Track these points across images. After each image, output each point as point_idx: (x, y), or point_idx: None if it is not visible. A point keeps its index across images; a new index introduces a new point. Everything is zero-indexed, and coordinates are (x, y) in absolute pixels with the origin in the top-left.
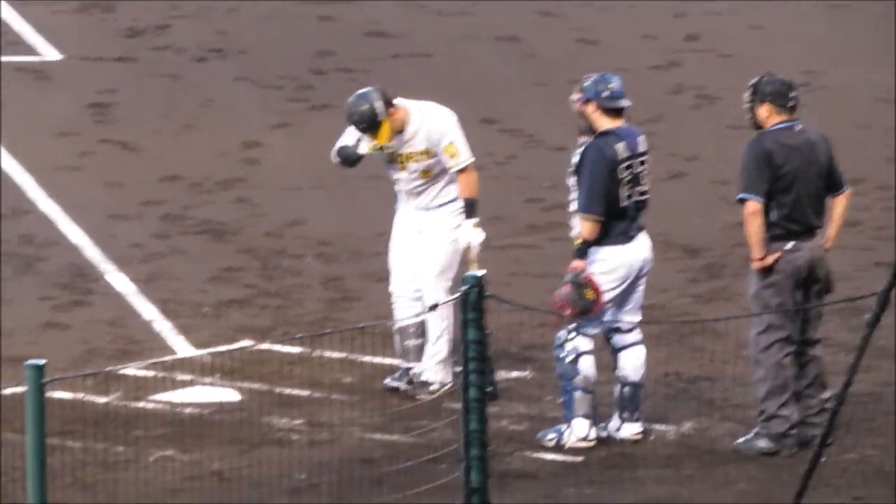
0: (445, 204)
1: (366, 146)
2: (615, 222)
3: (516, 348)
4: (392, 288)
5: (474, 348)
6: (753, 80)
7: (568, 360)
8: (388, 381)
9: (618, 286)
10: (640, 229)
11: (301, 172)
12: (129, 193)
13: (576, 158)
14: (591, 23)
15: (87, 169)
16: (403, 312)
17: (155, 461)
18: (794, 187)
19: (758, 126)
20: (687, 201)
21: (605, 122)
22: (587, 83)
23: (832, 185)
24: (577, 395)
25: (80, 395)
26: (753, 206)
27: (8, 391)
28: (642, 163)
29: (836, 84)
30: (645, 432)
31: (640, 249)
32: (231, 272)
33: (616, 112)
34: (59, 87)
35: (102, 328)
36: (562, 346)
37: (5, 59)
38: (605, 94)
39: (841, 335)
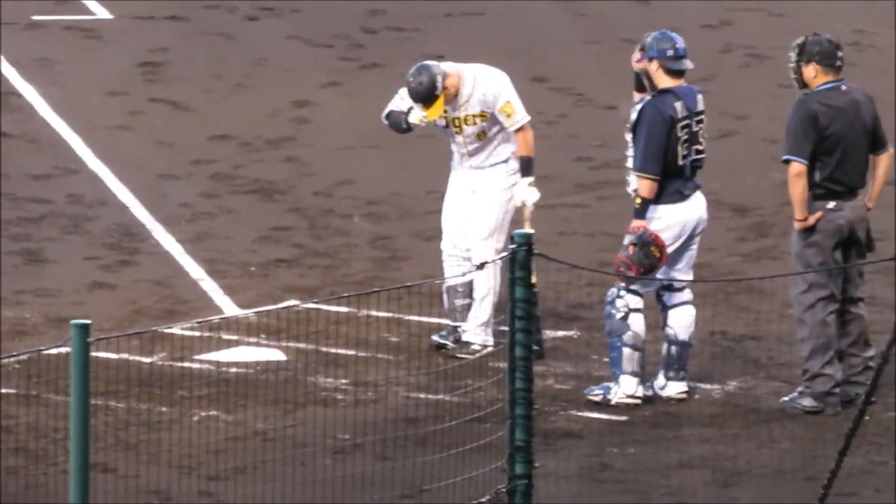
0: (498, 164)
1: (416, 118)
2: (671, 181)
3: (563, 307)
4: (443, 246)
5: (521, 307)
6: (799, 40)
7: (619, 316)
8: (435, 337)
9: (672, 244)
10: (696, 188)
11: (351, 131)
12: (178, 153)
13: (633, 116)
14: None
15: (136, 128)
16: (453, 271)
17: (199, 421)
18: (839, 148)
19: (804, 86)
20: (737, 160)
21: (665, 81)
22: (649, 40)
23: (875, 144)
24: (626, 352)
25: (125, 356)
26: (798, 167)
27: (53, 351)
28: (700, 122)
29: (885, 43)
30: (690, 391)
31: (695, 208)
32: (279, 232)
33: (678, 73)
34: (110, 46)
35: (149, 288)
36: (613, 302)
37: (56, 17)
38: (670, 52)
39: (886, 294)
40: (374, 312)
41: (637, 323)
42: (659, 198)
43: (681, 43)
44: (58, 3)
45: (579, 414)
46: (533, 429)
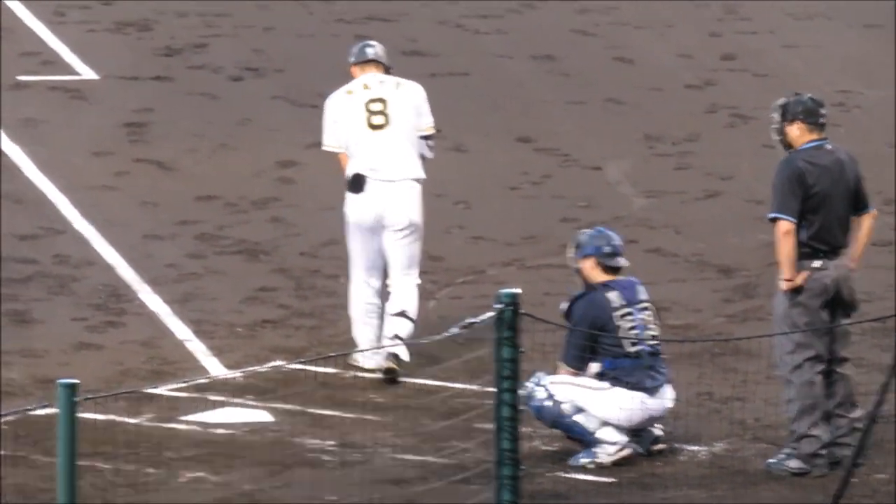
0: None
1: None
2: (627, 370)
3: (549, 369)
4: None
5: (508, 367)
6: (780, 101)
7: (548, 405)
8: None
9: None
10: (662, 380)
11: (336, 191)
12: (164, 213)
13: (564, 305)
14: (627, 41)
15: (122, 188)
16: None
17: (186, 483)
18: (824, 207)
19: (788, 146)
20: (722, 220)
21: (600, 277)
22: (583, 238)
23: (858, 205)
24: (578, 419)
25: (111, 416)
26: (786, 226)
27: (40, 412)
28: (644, 309)
29: (870, 103)
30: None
31: (661, 402)
32: (265, 292)
33: (614, 270)
34: (95, 107)
35: (136, 349)
36: (531, 396)
37: (42, 78)
38: (607, 250)
39: (873, 355)
40: (360, 373)
41: (564, 394)
42: (620, 383)
43: (617, 239)
44: (43, 64)
45: (566, 475)
46: (520, 490)
